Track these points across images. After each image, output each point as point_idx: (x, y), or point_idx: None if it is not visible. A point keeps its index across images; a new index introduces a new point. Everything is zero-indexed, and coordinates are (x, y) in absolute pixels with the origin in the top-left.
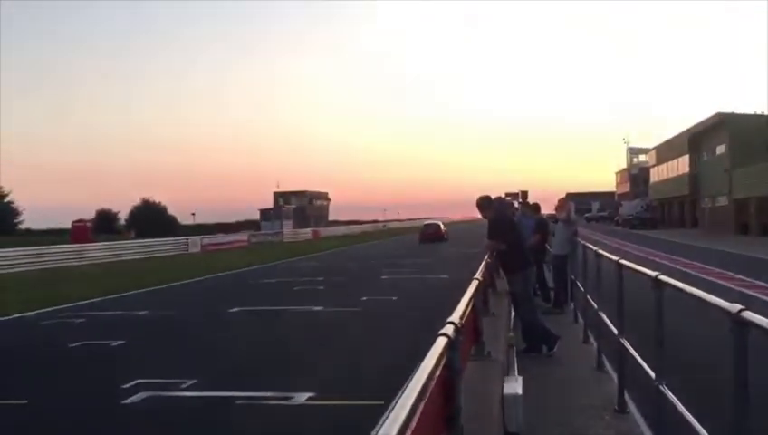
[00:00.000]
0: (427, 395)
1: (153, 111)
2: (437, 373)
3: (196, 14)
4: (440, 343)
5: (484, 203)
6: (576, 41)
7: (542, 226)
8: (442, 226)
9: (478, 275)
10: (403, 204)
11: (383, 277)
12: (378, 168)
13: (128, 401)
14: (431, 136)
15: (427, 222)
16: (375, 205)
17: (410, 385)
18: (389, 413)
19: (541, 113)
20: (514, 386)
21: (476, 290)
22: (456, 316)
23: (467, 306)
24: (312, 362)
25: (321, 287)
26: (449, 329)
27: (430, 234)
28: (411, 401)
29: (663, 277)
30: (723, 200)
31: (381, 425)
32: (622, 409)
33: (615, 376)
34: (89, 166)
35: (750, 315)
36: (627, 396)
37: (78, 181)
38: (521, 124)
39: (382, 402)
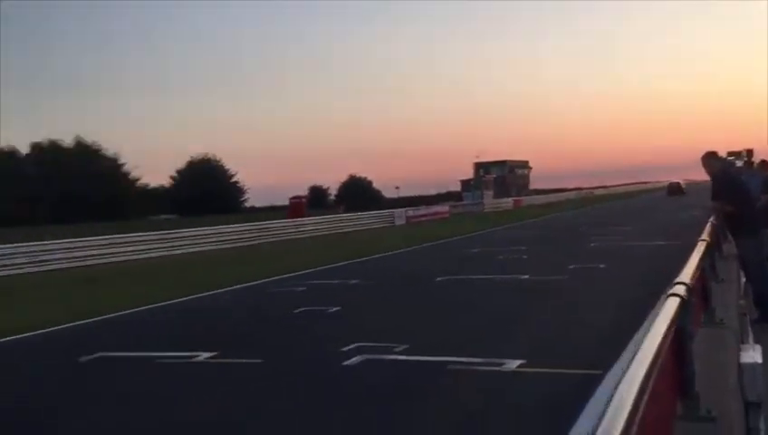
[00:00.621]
0: (660, 359)
1: (355, 90)
2: (670, 335)
3: None
4: (671, 303)
5: (710, 160)
6: None
7: None
8: (682, 183)
9: (705, 235)
10: (610, 170)
11: (591, 244)
12: (583, 134)
13: (348, 362)
14: (638, 98)
15: (672, 180)
16: (578, 173)
17: (642, 347)
18: (624, 375)
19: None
20: (753, 354)
21: (705, 252)
22: (685, 276)
23: (697, 268)
24: (520, 329)
25: (525, 256)
26: (680, 289)
27: (674, 189)
28: (646, 363)
29: None
30: None
31: (617, 386)
32: None
33: None
34: (302, 146)
35: None
36: None
37: (292, 161)
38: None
39: (599, 372)
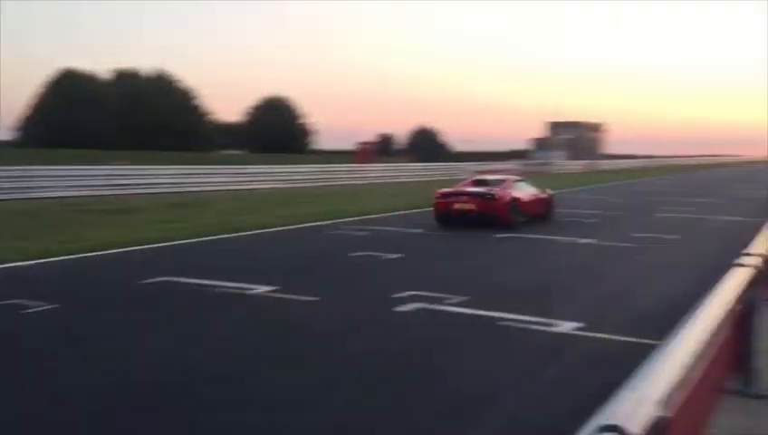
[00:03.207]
0: (721, 330)
1: (442, 47)
2: (732, 307)
3: None
4: (739, 273)
5: None
6: None
7: None
8: None
9: None
10: (684, 139)
11: (658, 214)
12: (664, 102)
13: (400, 308)
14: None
15: None
16: (655, 139)
17: (702, 315)
18: (677, 339)
19: None
20: None
21: None
22: (757, 247)
23: None
24: (583, 293)
25: (592, 220)
26: (749, 260)
27: None
28: (704, 333)
29: None
30: None
31: (669, 348)
32: None
33: None
34: (374, 93)
35: None
36: None
37: (363, 107)
38: None
39: (656, 341)
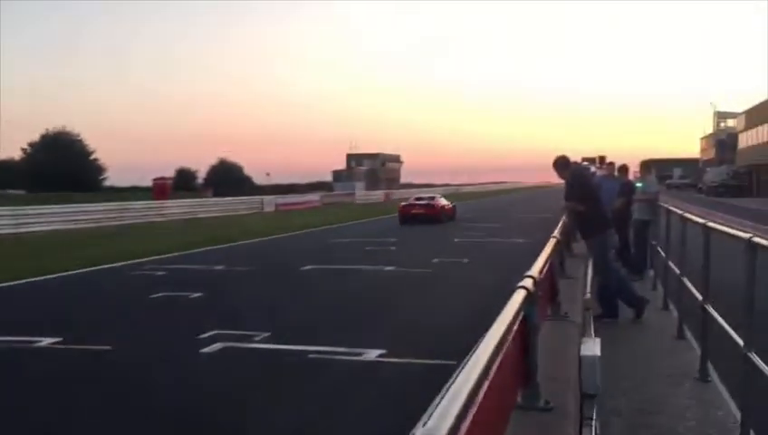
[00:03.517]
0: (504, 348)
1: (231, 75)
2: (515, 326)
3: None
4: (519, 295)
5: (562, 163)
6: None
7: (628, 189)
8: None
9: (556, 233)
10: (477, 168)
11: (455, 240)
12: (452, 133)
13: (206, 349)
14: (507, 102)
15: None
16: (447, 168)
17: (487, 336)
18: (465, 364)
19: (622, 80)
20: (592, 347)
21: (554, 248)
22: (534, 270)
23: (545, 263)
24: (383, 320)
25: (393, 248)
26: (528, 282)
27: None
28: (488, 353)
29: (758, 239)
30: None
31: (457, 375)
32: (704, 377)
33: (696, 344)
34: (169, 127)
35: None
36: (709, 365)
37: (159, 141)
38: (600, 91)
39: (455, 362)
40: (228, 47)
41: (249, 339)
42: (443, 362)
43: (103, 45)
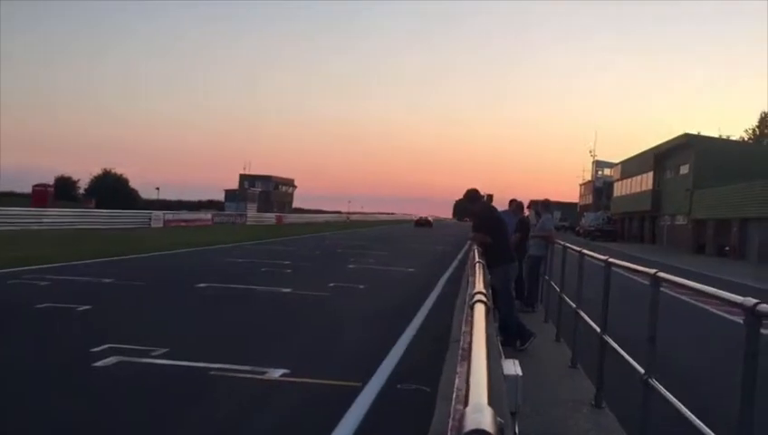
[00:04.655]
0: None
1: (122, 85)
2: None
3: None
4: (478, 310)
5: (473, 196)
6: (547, 53)
7: (524, 225)
8: (430, 218)
9: (478, 258)
10: (367, 197)
11: (350, 266)
12: (345, 160)
13: (99, 363)
14: (397, 136)
15: (420, 215)
16: (340, 196)
17: (475, 349)
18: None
19: (511, 126)
20: (513, 367)
21: (483, 271)
22: (480, 287)
23: (484, 282)
24: (285, 339)
25: (289, 271)
26: (482, 297)
27: (423, 222)
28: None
29: (662, 274)
30: (682, 219)
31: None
32: (598, 404)
33: (589, 374)
34: (50, 132)
35: (765, 308)
36: (603, 393)
37: (38, 147)
38: (492, 133)
39: (359, 384)
40: (112, 58)
41: (146, 354)
42: (346, 383)
43: None
